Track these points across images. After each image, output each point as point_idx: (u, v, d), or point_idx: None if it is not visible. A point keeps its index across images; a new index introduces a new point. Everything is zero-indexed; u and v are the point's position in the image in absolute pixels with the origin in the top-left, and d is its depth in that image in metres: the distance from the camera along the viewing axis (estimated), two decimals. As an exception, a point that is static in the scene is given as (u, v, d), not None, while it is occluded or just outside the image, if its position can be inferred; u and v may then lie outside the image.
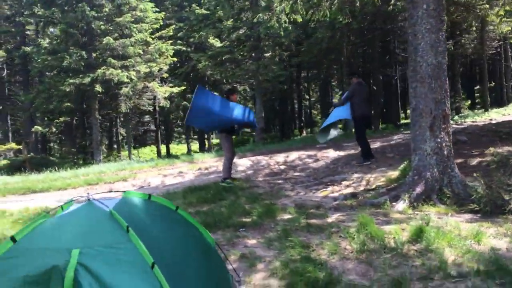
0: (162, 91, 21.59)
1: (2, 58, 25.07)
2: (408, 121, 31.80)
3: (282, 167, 10.52)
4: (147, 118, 37.52)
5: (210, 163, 12.14)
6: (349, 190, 7.59)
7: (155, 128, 41.21)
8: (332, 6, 11.61)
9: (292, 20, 12.17)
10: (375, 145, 12.06)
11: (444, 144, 6.70)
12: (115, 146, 33.54)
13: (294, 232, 5.23)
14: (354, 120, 9.24)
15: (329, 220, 5.64)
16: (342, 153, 11.40)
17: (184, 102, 26.71)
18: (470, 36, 25.03)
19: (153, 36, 22.75)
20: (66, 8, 20.57)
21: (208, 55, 19.99)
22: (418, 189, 6.50)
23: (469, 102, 33.38)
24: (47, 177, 12.22)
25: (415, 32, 6.93)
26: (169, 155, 32.06)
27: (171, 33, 24.17)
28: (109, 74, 18.98)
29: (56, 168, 16.43)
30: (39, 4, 20.61)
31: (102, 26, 20.02)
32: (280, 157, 11.75)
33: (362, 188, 7.60)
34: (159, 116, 33.92)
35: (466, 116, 21.78)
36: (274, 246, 4.86)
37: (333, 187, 7.89)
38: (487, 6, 16.07)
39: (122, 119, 32.87)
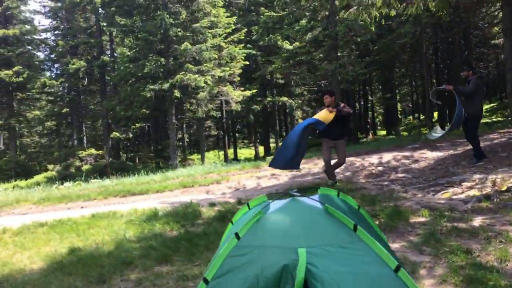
0: (236, 95, 21.60)
1: (83, 68, 26.26)
2: (487, 120, 30.00)
3: (380, 168, 9.98)
4: (208, 123, 37.94)
5: (301, 164, 11.79)
6: (474, 192, 6.94)
7: (216, 133, 41.66)
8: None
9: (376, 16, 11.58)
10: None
11: None
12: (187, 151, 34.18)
13: (442, 236, 4.74)
14: (469, 118, 8.49)
15: (476, 223, 5.08)
16: (441, 154, 10.69)
17: (255, 106, 26.71)
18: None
19: (225, 41, 22.88)
20: (144, 17, 21.13)
21: (283, 57, 19.72)
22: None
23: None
24: (139, 180, 12.41)
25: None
26: (236, 159, 32.26)
27: (243, 37, 24.18)
28: (187, 80, 19.23)
29: (136, 173, 16.77)
30: (120, 14, 21.37)
31: (179, 33, 20.35)
32: (373, 159, 11.20)
33: (489, 189, 6.91)
34: (226, 121, 34.32)
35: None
36: (426, 251, 4.40)
37: (453, 189, 7.26)
38: None
39: (189, 124, 33.53)
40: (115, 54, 29.84)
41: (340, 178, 9.12)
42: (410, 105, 52.98)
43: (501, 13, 20.21)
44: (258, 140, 42.45)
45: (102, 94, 29.63)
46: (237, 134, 43.00)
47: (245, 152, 40.98)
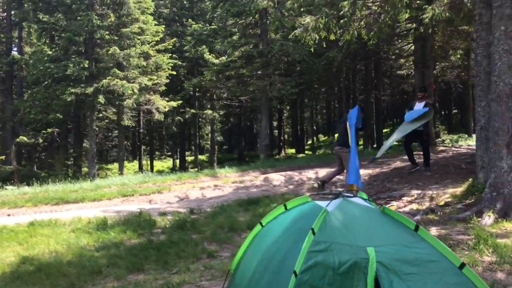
0: (163, 105, 21.22)
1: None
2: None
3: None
4: (115, 133, 36.27)
5: (238, 178, 11.96)
6: (415, 205, 7.64)
7: (125, 143, 39.97)
8: (361, 28, 11.88)
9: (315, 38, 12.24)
10: (396, 164, 12.29)
11: (520, 162, 6.87)
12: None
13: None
14: (423, 134, 9.60)
15: (433, 233, 5.62)
16: (370, 171, 11.51)
17: (178, 117, 26.40)
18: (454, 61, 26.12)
19: (153, 49, 22.45)
20: (67, 16, 20.02)
21: (213, 70, 19.86)
22: (498, 205, 6.61)
23: (446, 126, 34.77)
24: (66, 189, 11.67)
25: (492, 53, 7.17)
26: (152, 170, 31.47)
27: (170, 46, 23.91)
28: (113, 85, 18.50)
29: (49, 181, 15.58)
30: (39, 10, 20.01)
31: (107, 36, 19.57)
32: (310, 173, 11.72)
33: (427, 204, 7.65)
34: (146, 131, 33.42)
35: (456, 140, 22.47)
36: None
37: (396, 202, 7.91)
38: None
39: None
40: (24, 52, 27.77)
41: (285, 190, 9.42)
42: (314, 127, 56.04)
43: (410, 47, 22.47)
44: (175, 152, 41.88)
45: (8, 94, 27.22)
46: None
47: (157, 164, 40.03)
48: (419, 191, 8.32)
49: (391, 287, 2.22)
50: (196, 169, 25.70)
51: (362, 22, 11.72)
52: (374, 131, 26.32)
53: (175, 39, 24.83)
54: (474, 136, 21.86)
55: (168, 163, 43.06)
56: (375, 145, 26.10)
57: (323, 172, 11.69)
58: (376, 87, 26.89)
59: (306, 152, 41.60)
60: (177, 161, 36.80)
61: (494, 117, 7.05)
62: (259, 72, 17.99)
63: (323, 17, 11.68)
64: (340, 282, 2.23)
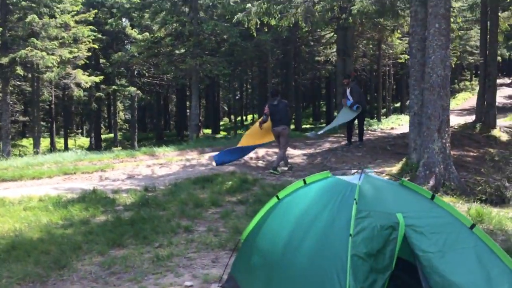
0: (85, 80, 20.21)
1: None
2: (309, 125, 34.51)
3: (261, 162, 10.96)
4: (16, 107, 33.65)
5: (178, 157, 12.04)
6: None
7: (25, 119, 37.24)
8: (298, 15, 12.44)
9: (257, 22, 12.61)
10: (326, 145, 13.20)
11: (447, 145, 7.91)
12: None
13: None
14: (361, 112, 11.42)
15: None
16: (304, 151, 12.23)
17: (98, 93, 25.28)
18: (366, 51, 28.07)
19: (73, 20, 21.13)
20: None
21: (140, 45, 19.32)
22: (431, 183, 7.60)
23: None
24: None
25: (426, 47, 8.07)
26: (66, 148, 29.89)
27: (91, 18, 22.67)
28: (31, 56, 17.23)
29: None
30: None
31: (23, 2, 18.08)
32: (250, 153, 12.11)
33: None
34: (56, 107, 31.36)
35: (371, 124, 24.34)
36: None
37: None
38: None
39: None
40: None
41: (232, 169, 9.75)
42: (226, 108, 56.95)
43: (332, 35, 23.72)
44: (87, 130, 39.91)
45: None
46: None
47: (69, 142, 37.95)
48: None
49: (419, 243, 2.72)
50: (119, 148, 24.90)
51: (299, 10, 12.30)
52: (294, 114, 27.45)
53: (96, 10, 23.49)
54: (384, 120, 23.98)
55: (79, 141, 41.07)
56: (293, 127, 27.34)
57: (261, 151, 12.12)
58: (296, 72, 28.04)
59: (221, 132, 42.23)
60: (89, 139, 35.28)
61: (427, 105, 7.99)
62: (191, 50, 17.85)
63: (265, 3, 12.08)
64: (382, 240, 2.68)
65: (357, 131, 12.15)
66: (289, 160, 10.97)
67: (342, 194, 2.98)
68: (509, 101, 29.62)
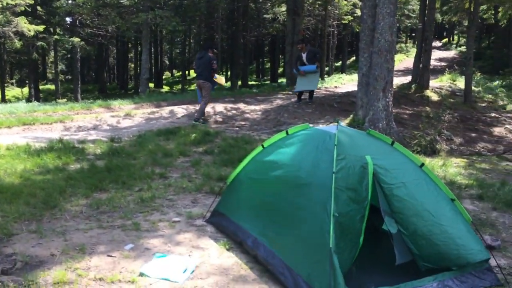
0: (30, 28, 19.19)
1: None
2: (253, 82, 34.98)
3: (219, 117, 11.39)
4: None
5: (134, 110, 12.18)
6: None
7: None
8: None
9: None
10: (277, 102, 13.85)
11: (390, 103, 8.78)
12: None
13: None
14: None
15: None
16: (258, 107, 12.79)
17: (41, 43, 24.05)
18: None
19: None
20: None
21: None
22: (375, 136, 8.48)
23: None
24: None
25: (377, 14, 8.74)
26: (4, 99, 28.47)
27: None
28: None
29: None
30: None
31: None
32: (208, 108, 12.49)
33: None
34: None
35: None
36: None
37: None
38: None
39: None
40: None
41: (189, 123, 10.14)
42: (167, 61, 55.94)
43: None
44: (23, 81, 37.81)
45: None
46: None
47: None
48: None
49: (383, 177, 3.38)
50: (65, 100, 24.10)
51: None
52: (241, 70, 27.76)
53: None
54: (328, 79, 24.97)
55: (12, 92, 38.99)
56: (240, 83, 27.74)
57: (219, 107, 12.52)
58: (244, 29, 28.10)
59: (164, 87, 41.76)
60: (25, 90, 33.59)
61: (375, 67, 8.75)
62: (141, 3, 17.45)
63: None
64: (357, 176, 3.31)
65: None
66: (245, 115, 11.53)
67: (323, 140, 3.56)
68: (439, 63, 31.64)
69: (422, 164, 3.58)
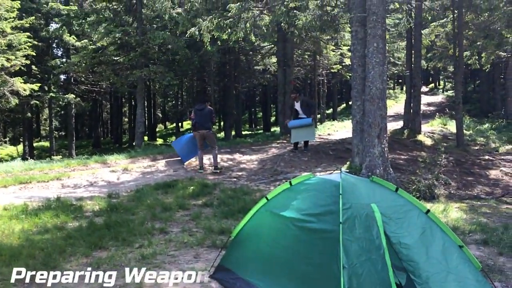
0: (24, 87, 19.47)
1: None
2: (247, 131, 35.32)
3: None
4: None
5: (130, 164, 12.15)
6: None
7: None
8: (247, 29, 13.07)
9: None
10: (272, 151, 13.94)
11: (385, 149, 8.88)
12: None
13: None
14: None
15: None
16: (254, 157, 12.85)
17: (35, 101, 24.30)
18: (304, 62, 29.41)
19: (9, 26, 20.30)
20: None
21: (85, 54, 19.01)
22: (373, 182, 8.51)
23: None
24: None
25: (366, 64, 9.01)
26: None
27: (28, 25, 21.84)
28: (-34, 63, 16.44)
29: None
30: None
31: (-45, 7, 17.17)
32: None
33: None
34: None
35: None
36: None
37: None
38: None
39: None
40: None
41: (191, 175, 10.15)
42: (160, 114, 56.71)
43: (272, 47, 24.69)
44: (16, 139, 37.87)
45: None
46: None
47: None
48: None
49: (389, 226, 3.39)
50: (59, 156, 24.06)
51: (248, 24, 12.94)
52: (235, 121, 28.10)
53: (33, 17, 22.68)
54: (320, 126, 25.25)
55: (6, 150, 38.97)
56: (233, 133, 27.98)
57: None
58: (236, 81, 28.73)
59: (158, 139, 41.99)
60: (19, 148, 33.58)
61: (368, 114, 8.91)
62: (136, 60, 17.89)
63: (216, 18, 12.58)
64: (364, 225, 3.32)
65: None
66: (241, 166, 11.57)
67: (328, 190, 3.59)
68: (428, 108, 32.33)
69: (428, 211, 3.58)
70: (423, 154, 11.64)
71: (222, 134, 32.15)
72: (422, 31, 16.11)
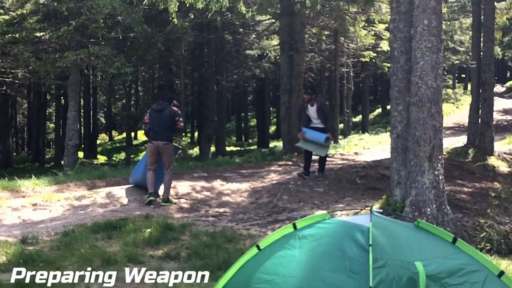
0: None
1: None
2: (233, 148, 35.42)
3: (187, 201, 11.42)
4: None
5: (55, 193, 12.15)
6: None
7: None
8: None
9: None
10: (272, 177, 14.00)
11: (440, 177, 8.92)
12: None
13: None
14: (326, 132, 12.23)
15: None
16: (242, 186, 12.89)
17: None
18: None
19: None
20: None
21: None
22: (421, 227, 8.54)
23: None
24: None
25: (412, 50, 9.11)
26: None
27: None
28: None
29: None
30: None
31: None
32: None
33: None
34: None
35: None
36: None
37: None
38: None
39: None
40: None
41: (148, 212, 10.14)
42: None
43: (273, 22, 24.93)
44: None
45: None
46: None
47: None
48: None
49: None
50: None
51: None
52: (217, 131, 28.24)
53: None
54: (343, 142, 25.41)
55: None
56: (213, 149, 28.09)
57: (183, 187, 12.59)
58: (218, 71, 28.77)
59: (99, 156, 42.02)
60: None
61: (414, 125, 8.98)
62: (69, 37, 17.96)
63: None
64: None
65: (316, 157, 12.98)
66: (224, 198, 11.60)
67: (350, 238, 3.59)
68: (504, 117, 32.56)
69: (502, 273, 3.60)
70: (496, 185, 11.70)
71: (196, 151, 32.18)
72: (496, 4, 16.34)
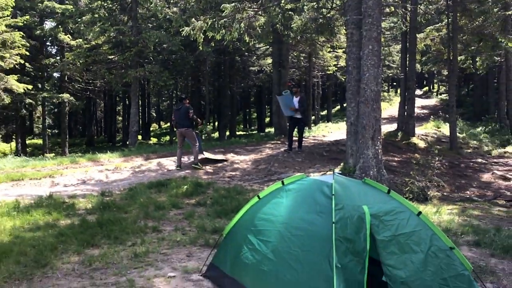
0: (20, 86, 19.33)
1: None
2: (241, 132, 35.31)
3: (210, 167, 11.40)
4: None
5: (124, 163, 12.14)
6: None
7: None
8: (241, 30, 13.05)
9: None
10: (266, 151, 13.95)
11: (379, 151, 8.91)
12: None
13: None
14: (301, 121, 12.32)
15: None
16: (247, 157, 12.85)
17: (29, 100, 24.14)
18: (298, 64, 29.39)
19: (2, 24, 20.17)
20: None
21: (78, 53, 18.93)
22: (366, 184, 8.54)
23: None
24: None
25: (361, 66, 9.04)
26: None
27: (21, 24, 21.68)
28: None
29: None
30: None
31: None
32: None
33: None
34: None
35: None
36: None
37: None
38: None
39: None
40: None
41: (183, 174, 10.13)
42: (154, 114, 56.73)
43: (266, 48, 24.73)
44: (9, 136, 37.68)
45: None
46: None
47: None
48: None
49: (379, 229, 3.40)
50: (52, 154, 23.91)
51: (242, 25, 12.92)
52: (229, 121, 28.09)
53: (27, 16, 22.52)
54: (314, 128, 25.31)
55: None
56: (228, 133, 27.98)
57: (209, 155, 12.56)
58: (231, 81, 28.72)
59: (152, 138, 41.92)
60: (12, 145, 33.36)
61: (362, 116, 8.93)
62: (130, 59, 17.83)
63: (210, 18, 12.55)
64: (355, 227, 3.32)
65: (296, 138, 12.97)
66: (235, 166, 11.57)
67: (320, 190, 3.60)
68: (422, 111, 32.46)
69: (420, 213, 3.60)
70: (416, 156, 11.71)
71: (216, 134, 32.10)
72: (417, 35, 16.20)
